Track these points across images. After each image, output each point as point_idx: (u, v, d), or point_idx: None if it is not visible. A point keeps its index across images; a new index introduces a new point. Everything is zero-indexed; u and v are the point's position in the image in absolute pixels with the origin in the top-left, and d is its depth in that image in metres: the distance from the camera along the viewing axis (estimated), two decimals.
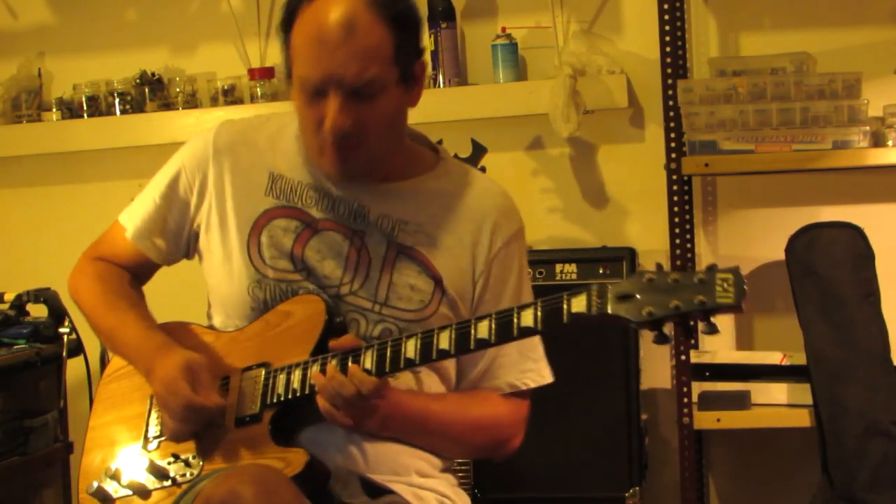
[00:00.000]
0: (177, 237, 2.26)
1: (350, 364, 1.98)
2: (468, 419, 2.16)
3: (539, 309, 1.87)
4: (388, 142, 2.10)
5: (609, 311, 1.79)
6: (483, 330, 1.91)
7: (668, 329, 1.79)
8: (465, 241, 2.15)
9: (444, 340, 1.94)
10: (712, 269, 1.75)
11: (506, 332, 1.90)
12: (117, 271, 2.30)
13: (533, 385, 2.19)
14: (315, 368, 2.01)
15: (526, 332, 1.89)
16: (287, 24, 2.06)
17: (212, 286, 2.25)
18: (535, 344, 2.20)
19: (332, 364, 1.99)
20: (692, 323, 1.78)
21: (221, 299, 2.22)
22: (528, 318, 1.88)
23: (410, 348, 1.96)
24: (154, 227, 2.25)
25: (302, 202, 2.15)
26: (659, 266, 1.79)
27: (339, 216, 2.14)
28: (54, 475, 3.35)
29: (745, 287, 1.72)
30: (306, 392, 2.02)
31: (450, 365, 2.18)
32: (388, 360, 1.97)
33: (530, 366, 2.19)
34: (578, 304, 1.83)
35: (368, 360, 1.98)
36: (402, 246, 2.13)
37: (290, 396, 2.04)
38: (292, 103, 2.11)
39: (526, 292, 2.21)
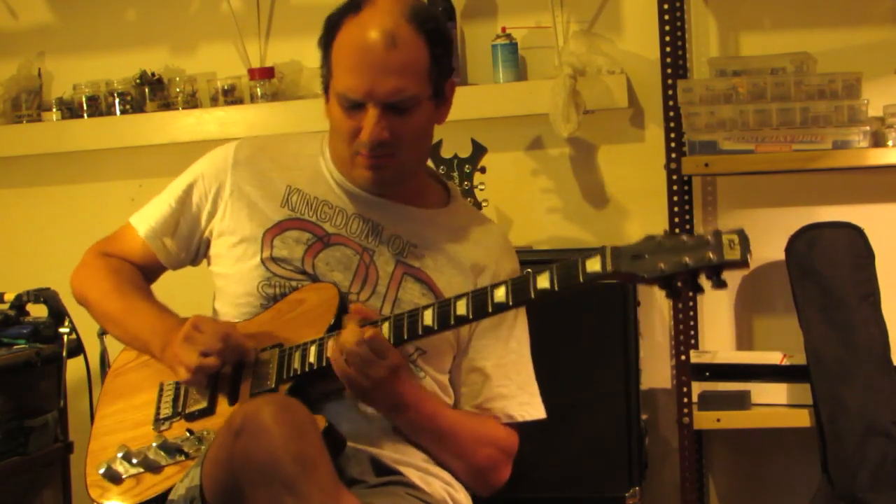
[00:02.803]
0: (188, 241, 2.32)
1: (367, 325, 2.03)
2: (473, 432, 2.20)
3: (555, 271, 1.92)
4: (417, 155, 2.19)
5: (622, 269, 1.87)
6: (500, 294, 1.96)
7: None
8: (469, 274, 2.22)
9: (462, 307, 1.99)
10: (718, 230, 1.84)
11: (523, 293, 1.95)
12: (128, 265, 2.35)
13: (529, 418, 2.26)
14: (331, 343, 2.04)
15: (543, 295, 1.93)
16: (328, 39, 2.14)
17: (220, 287, 2.29)
18: (532, 379, 2.28)
19: (352, 322, 2.04)
20: (698, 280, 1.87)
21: (231, 298, 2.25)
22: (544, 281, 1.93)
23: (428, 316, 2.01)
24: (167, 228, 2.32)
25: (317, 216, 2.21)
26: (667, 230, 1.85)
27: (352, 233, 2.21)
28: (54, 475, 3.35)
29: (750, 245, 1.82)
30: (323, 364, 2.05)
31: (449, 386, 2.24)
32: (405, 327, 2.02)
33: (527, 399, 2.26)
34: (593, 264, 1.89)
35: (385, 328, 2.03)
36: (409, 266, 2.20)
37: (305, 370, 2.07)
38: (329, 119, 2.18)
39: (521, 326, 2.27)
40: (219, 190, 2.27)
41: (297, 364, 2.08)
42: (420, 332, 2.02)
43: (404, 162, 2.15)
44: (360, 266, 2.19)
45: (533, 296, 1.94)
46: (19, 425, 3.17)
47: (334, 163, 2.24)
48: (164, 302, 2.37)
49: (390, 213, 2.22)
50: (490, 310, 1.98)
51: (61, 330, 3.25)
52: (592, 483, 3.22)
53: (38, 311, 3.34)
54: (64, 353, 3.23)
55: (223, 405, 2.13)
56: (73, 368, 3.28)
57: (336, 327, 2.09)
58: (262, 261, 2.20)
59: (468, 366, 2.23)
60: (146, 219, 2.34)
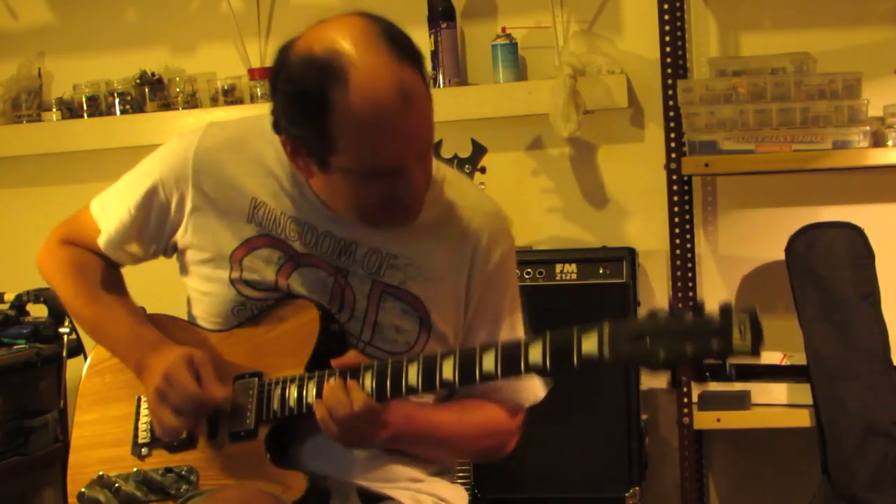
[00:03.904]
0: (156, 239, 2.16)
1: (349, 381, 1.92)
2: (472, 426, 2.12)
3: (548, 346, 1.82)
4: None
5: (621, 354, 1.75)
6: (489, 363, 1.86)
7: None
8: (457, 267, 2.08)
9: (448, 370, 1.88)
10: (728, 310, 1.70)
11: (513, 367, 1.85)
12: (92, 258, 2.21)
13: (528, 405, 2.15)
14: (312, 386, 1.96)
15: (533, 370, 1.84)
16: (316, 117, 1.86)
17: (194, 298, 2.17)
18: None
19: (335, 381, 1.93)
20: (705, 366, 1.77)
21: (205, 316, 2.14)
22: (536, 355, 1.83)
23: (413, 374, 1.90)
24: (127, 235, 2.16)
25: (285, 234, 2.05)
26: (672, 306, 1.74)
27: (323, 253, 2.05)
28: (54, 475, 3.35)
29: (762, 331, 1.68)
30: (303, 412, 1.96)
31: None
32: (388, 385, 1.91)
33: (525, 385, 2.15)
34: (589, 343, 1.78)
35: (368, 381, 1.92)
36: (387, 285, 2.05)
37: (286, 414, 1.98)
38: (335, 194, 1.98)
39: (517, 313, 2.16)
40: (180, 200, 2.09)
41: (276, 405, 1.99)
42: (403, 392, 1.91)
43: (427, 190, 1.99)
44: (335, 288, 2.04)
45: (524, 370, 1.84)
46: (19, 425, 3.18)
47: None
48: (145, 290, 2.31)
49: (365, 228, 2.03)
50: (478, 379, 1.87)
51: (61, 330, 3.26)
52: (592, 483, 3.22)
53: (38, 311, 3.35)
54: (64, 353, 3.24)
55: (203, 438, 2.06)
56: (73, 368, 3.28)
57: (316, 357, 1.99)
58: (232, 282, 2.07)
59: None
60: (106, 220, 2.17)
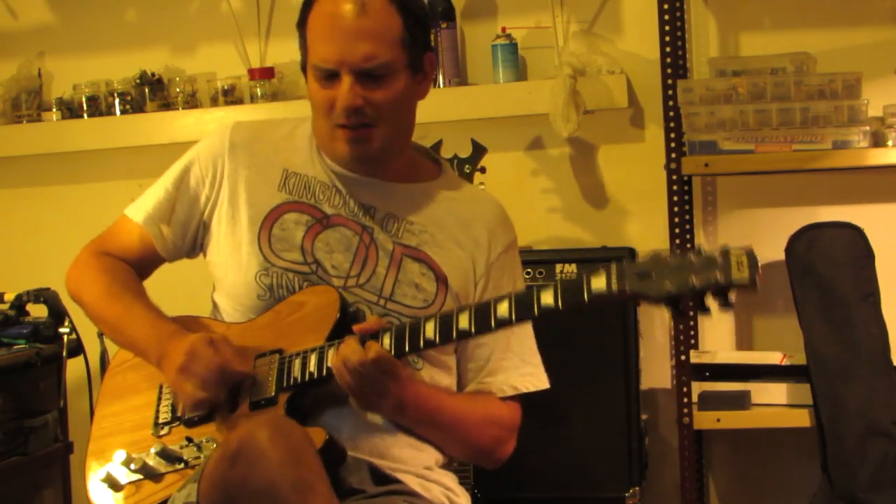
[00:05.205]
0: (184, 227, 2.29)
1: (368, 340, 2.02)
2: (476, 416, 2.19)
3: (559, 287, 1.91)
4: (396, 127, 2.17)
5: (628, 289, 1.85)
6: (503, 309, 1.95)
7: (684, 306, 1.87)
8: (466, 244, 2.22)
9: (464, 321, 1.98)
10: (727, 248, 1.81)
11: (527, 310, 1.94)
12: (122, 265, 2.32)
13: (532, 389, 2.24)
14: (332, 351, 2.04)
15: (546, 312, 1.92)
16: (303, 17, 2.18)
17: (218, 278, 2.27)
18: (534, 350, 2.27)
19: (352, 337, 2.02)
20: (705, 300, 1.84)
21: (228, 289, 2.24)
22: (548, 297, 1.92)
23: (430, 329, 2.00)
24: (163, 213, 2.29)
25: (315, 198, 2.21)
26: (675, 246, 1.83)
27: (350, 212, 2.20)
28: (54, 475, 3.35)
29: (759, 265, 1.79)
30: (323, 374, 2.04)
31: (453, 363, 2.23)
32: (406, 340, 2.01)
33: (530, 370, 2.25)
34: (598, 282, 1.88)
35: (387, 340, 2.02)
36: (406, 246, 2.19)
37: (306, 379, 2.06)
38: (308, 98, 2.19)
39: None
40: (215, 174, 2.25)
41: (297, 372, 2.07)
42: (421, 346, 2.01)
43: (384, 134, 2.14)
44: (360, 247, 2.18)
45: (536, 312, 1.93)
46: (19, 425, 3.17)
47: (320, 143, 2.25)
48: (165, 291, 2.35)
49: (382, 193, 2.21)
50: (493, 325, 1.97)
51: (61, 330, 3.26)
52: (592, 483, 3.22)
53: (38, 311, 3.34)
54: (64, 353, 3.23)
55: (222, 412, 2.12)
56: (73, 368, 3.28)
57: (336, 333, 2.08)
58: (260, 249, 2.19)
59: (473, 342, 2.21)
60: (143, 207, 2.31)
